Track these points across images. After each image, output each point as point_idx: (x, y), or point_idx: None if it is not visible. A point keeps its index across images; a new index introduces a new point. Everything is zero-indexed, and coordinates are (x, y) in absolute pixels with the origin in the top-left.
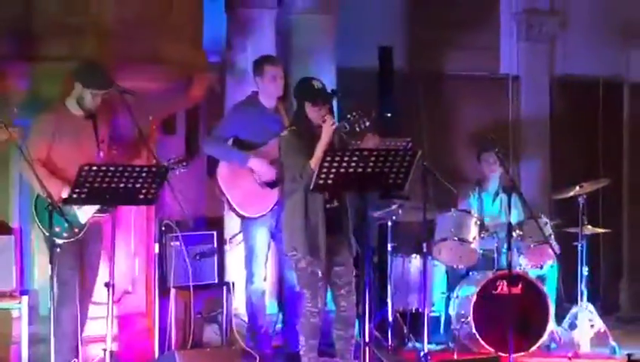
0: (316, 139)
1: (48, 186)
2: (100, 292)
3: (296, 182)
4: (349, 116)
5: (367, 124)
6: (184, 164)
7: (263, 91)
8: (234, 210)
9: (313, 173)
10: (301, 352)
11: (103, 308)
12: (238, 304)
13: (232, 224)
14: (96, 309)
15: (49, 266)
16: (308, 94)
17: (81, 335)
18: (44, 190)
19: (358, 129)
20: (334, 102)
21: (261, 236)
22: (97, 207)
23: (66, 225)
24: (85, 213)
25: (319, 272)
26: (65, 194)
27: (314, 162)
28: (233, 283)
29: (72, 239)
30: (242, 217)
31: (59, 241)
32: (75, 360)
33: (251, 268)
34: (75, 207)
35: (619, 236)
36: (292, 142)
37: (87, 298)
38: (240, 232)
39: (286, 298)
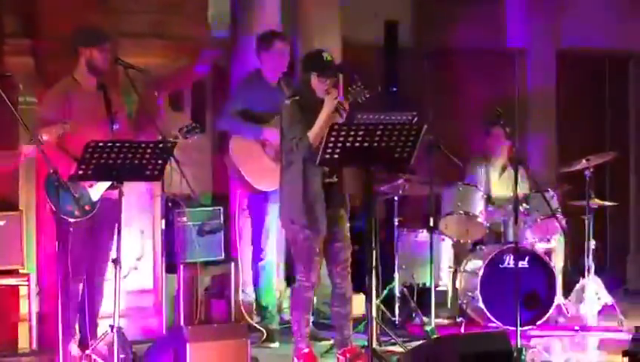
0: (318, 111)
1: (58, 164)
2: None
3: (293, 153)
4: (349, 88)
5: (368, 95)
6: (197, 130)
7: (269, 66)
8: (247, 185)
9: (310, 145)
10: (294, 327)
11: (111, 284)
12: (246, 280)
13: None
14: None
15: (57, 243)
16: (316, 65)
17: (97, 312)
18: (52, 167)
19: (360, 101)
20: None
21: (271, 211)
22: (109, 183)
23: (75, 204)
24: (97, 190)
25: (317, 248)
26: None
27: (312, 134)
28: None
29: (84, 217)
30: (255, 191)
31: (71, 219)
32: (76, 337)
33: (260, 244)
34: (88, 185)
35: (625, 209)
36: (293, 112)
37: (100, 275)
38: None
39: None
